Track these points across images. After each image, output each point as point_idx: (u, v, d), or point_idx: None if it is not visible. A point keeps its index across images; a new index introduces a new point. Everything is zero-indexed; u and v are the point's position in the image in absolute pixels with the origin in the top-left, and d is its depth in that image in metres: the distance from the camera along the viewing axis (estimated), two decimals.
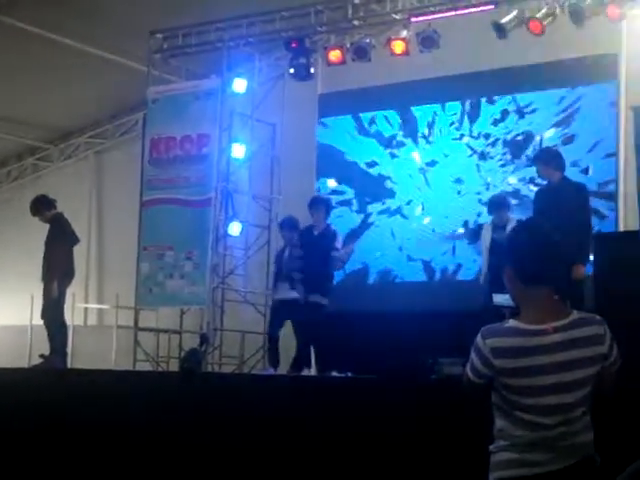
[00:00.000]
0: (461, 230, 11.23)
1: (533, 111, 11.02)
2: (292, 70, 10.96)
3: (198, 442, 7.00)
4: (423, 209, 11.69)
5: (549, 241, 3.02)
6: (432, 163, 11.64)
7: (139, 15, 11.48)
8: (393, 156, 11.93)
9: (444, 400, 5.99)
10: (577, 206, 7.89)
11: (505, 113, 11.20)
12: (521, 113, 11.10)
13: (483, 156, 11.33)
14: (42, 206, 9.65)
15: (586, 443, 2.95)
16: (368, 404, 6.37)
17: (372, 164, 12.05)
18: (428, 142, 11.71)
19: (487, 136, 11.32)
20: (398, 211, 11.87)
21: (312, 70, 10.92)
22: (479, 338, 2.95)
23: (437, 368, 7.57)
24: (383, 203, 11.94)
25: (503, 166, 11.19)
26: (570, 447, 2.91)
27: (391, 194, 11.91)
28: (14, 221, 14.63)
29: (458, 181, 11.43)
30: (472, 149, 11.41)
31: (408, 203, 11.74)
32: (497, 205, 8.98)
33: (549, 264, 2.99)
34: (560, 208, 7.72)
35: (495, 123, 11.28)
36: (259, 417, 6.70)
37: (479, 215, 10.88)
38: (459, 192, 11.42)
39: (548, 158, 8.19)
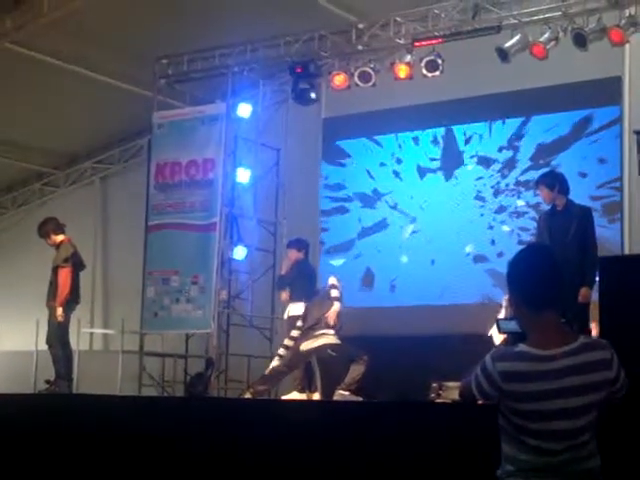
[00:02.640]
0: (468, 249, 11.21)
1: (537, 135, 11.06)
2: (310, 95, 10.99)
3: (204, 467, 6.98)
4: (414, 232, 11.65)
5: (553, 265, 3.03)
6: (436, 187, 11.67)
7: (144, 41, 11.56)
8: (396, 174, 11.95)
9: (450, 424, 5.97)
10: (584, 229, 7.87)
11: (511, 139, 11.23)
12: (523, 136, 11.14)
13: (489, 180, 11.34)
14: (50, 229, 9.63)
15: (593, 469, 2.94)
16: (373, 428, 6.35)
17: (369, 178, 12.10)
18: (432, 164, 11.75)
19: (494, 161, 11.34)
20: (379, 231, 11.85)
21: (313, 95, 10.92)
22: (489, 360, 2.94)
23: (443, 391, 7.57)
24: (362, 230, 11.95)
25: (508, 190, 11.20)
26: (577, 473, 2.90)
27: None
28: (20, 246, 14.66)
29: (465, 204, 11.44)
30: (478, 173, 11.42)
31: (413, 221, 11.72)
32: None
33: (554, 289, 2.99)
34: (566, 232, 7.71)
35: (500, 150, 11.31)
36: (265, 442, 6.68)
37: (493, 242, 10.93)
38: (479, 212, 11.39)
39: (552, 182, 8.15)
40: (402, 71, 10.30)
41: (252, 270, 11.72)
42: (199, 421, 7.23)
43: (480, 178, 11.40)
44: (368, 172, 12.13)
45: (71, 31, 11.35)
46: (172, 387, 11.64)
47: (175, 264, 11.04)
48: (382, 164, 12.05)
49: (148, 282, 11.19)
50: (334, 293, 9.04)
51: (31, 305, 11.23)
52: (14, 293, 14.62)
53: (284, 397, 9.09)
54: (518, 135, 11.19)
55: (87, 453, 7.50)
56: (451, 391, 7.35)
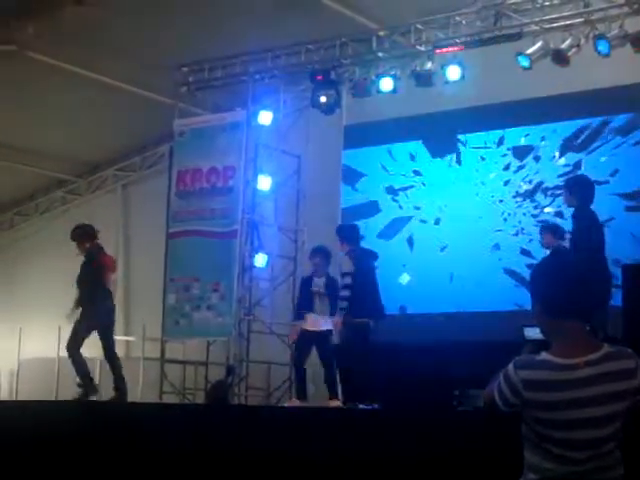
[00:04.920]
0: (493, 256, 11.11)
1: (557, 141, 11.01)
2: (322, 99, 10.95)
3: (224, 474, 6.98)
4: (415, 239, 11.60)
5: (577, 274, 3.00)
6: (455, 195, 11.65)
7: (165, 49, 11.61)
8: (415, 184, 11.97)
9: (471, 432, 5.94)
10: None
11: (532, 146, 11.17)
12: (544, 143, 11.09)
13: (511, 187, 11.28)
14: (83, 236, 9.50)
15: (617, 478, 2.92)
16: (395, 436, 6.32)
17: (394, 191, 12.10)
18: (452, 174, 11.71)
19: (516, 168, 11.28)
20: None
21: (323, 99, 10.93)
22: (511, 368, 2.93)
23: (464, 399, 7.53)
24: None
25: (531, 200, 11.14)
26: None
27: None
28: (42, 253, 14.76)
29: (488, 213, 11.38)
30: (501, 180, 11.37)
31: (428, 221, 11.69)
32: (542, 229, 8.98)
33: (578, 298, 2.96)
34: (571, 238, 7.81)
35: (521, 157, 11.26)
36: (285, 449, 6.67)
37: (521, 251, 10.86)
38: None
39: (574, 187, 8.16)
40: (423, 78, 10.28)
41: (273, 277, 11.72)
42: (220, 428, 7.23)
43: (504, 185, 11.33)
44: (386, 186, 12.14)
45: (92, 39, 11.41)
46: (193, 394, 11.65)
47: (196, 271, 11.06)
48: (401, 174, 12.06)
49: (169, 289, 11.23)
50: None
51: (54, 311, 11.30)
52: (36, 299, 14.70)
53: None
54: (539, 142, 11.13)
55: (107, 460, 7.51)
56: (474, 399, 7.30)
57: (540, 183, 11.09)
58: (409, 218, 11.92)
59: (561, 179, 10.67)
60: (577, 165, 10.81)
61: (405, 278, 11.60)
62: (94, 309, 9.05)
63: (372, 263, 9.04)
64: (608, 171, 10.54)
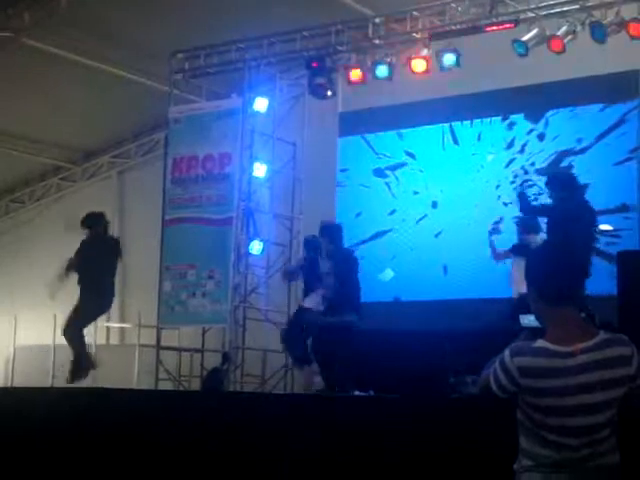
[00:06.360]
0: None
1: (555, 128, 10.99)
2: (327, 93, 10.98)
3: (219, 461, 6.99)
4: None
5: (572, 262, 3.02)
6: (450, 182, 11.64)
7: (161, 36, 11.58)
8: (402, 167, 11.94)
9: (466, 419, 5.96)
10: None
11: (529, 132, 11.13)
12: (542, 130, 11.07)
13: (510, 172, 11.26)
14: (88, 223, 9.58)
15: (612, 465, 2.93)
16: (390, 423, 6.34)
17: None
18: (447, 161, 11.69)
19: (511, 155, 11.25)
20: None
21: (329, 93, 10.95)
22: (507, 355, 2.94)
23: (459, 387, 7.55)
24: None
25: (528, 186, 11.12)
26: (596, 469, 2.88)
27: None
28: (37, 240, 14.73)
29: (483, 201, 11.37)
30: (497, 167, 11.35)
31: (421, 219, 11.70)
32: (519, 227, 9.05)
33: (573, 285, 2.98)
34: None
35: (516, 144, 11.22)
36: (281, 436, 6.68)
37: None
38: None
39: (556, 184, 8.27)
40: (419, 65, 10.27)
41: (268, 265, 11.73)
42: (215, 415, 7.25)
43: (500, 172, 11.31)
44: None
45: (88, 26, 11.38)
46: (188, 381, 11.67)
47: (192, 258, 11.06)
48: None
49: (165, 276, 11.22)
50: None
51: (48, 299, 11.29)
52: (31, 287, 14.68)
53: None
54: (537, 129, 11.10)
55: (103, 447, 7.52)
56: (468, 386, 7.33)
57: (544, 164, 11.02)
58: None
59: (571, 159, 10.66)
60: (620, 121, 10.55)
61: (389, 274, 11.56)
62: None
63: (349, 266, 8.89)
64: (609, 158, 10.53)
